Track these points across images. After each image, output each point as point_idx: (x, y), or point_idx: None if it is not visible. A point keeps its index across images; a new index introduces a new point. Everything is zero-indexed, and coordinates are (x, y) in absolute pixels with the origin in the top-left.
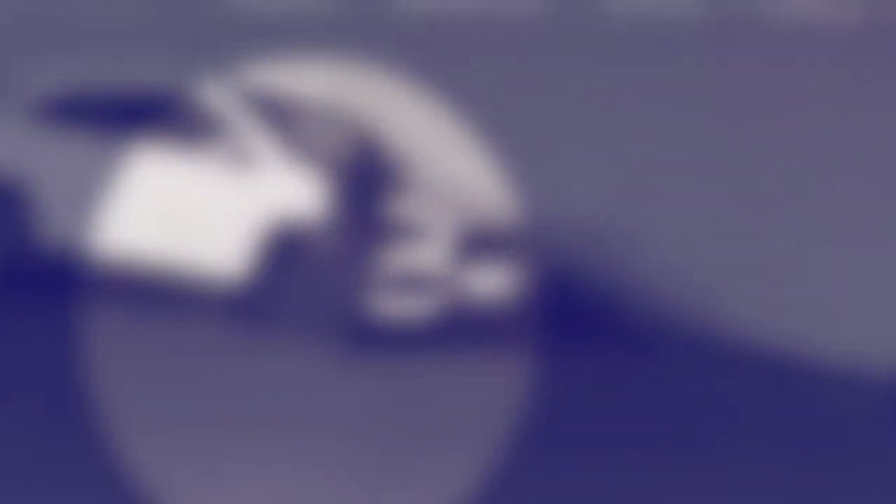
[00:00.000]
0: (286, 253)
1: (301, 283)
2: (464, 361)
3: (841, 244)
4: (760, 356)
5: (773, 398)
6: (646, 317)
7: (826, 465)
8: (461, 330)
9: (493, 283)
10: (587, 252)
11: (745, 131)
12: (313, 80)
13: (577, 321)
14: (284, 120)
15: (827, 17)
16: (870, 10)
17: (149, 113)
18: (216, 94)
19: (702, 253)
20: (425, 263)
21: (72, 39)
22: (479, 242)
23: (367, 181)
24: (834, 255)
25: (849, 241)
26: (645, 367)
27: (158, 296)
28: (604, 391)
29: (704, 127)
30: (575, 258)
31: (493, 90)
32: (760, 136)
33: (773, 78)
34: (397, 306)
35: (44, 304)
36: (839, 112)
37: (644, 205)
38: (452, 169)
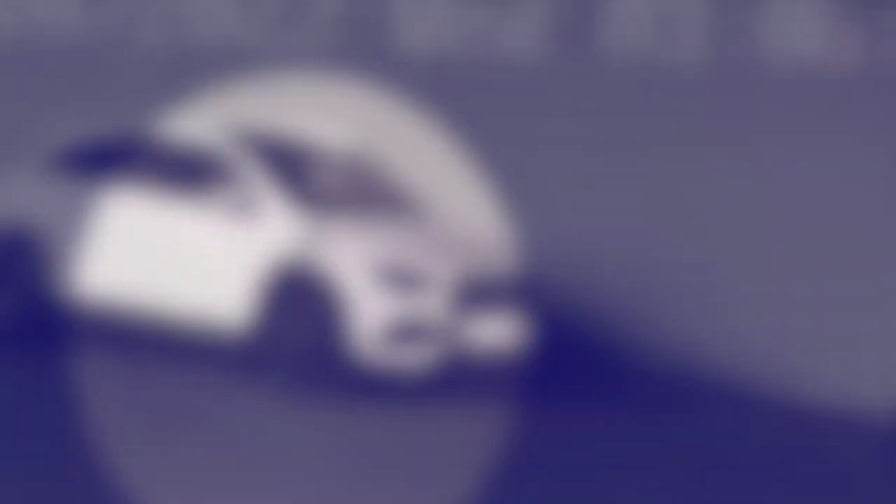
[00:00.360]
0: (287, 300)
1: (300, 330)
2: (462, 412)
3: (843, 283)
4: (766, 400)
5: (778, 442)
6: (647, 368)
7: None
8: (460, 381)
9: (493, 333)
10: (587, 301)
11: (744, 174)
12: (318, 122)
13: (577, 373)
14: (288, 163)
15: (827, 61)
16: (870, 53)
17: (154, 160)
18: (219, 138)
19: (704, 301)
20: (425, 313)
21: (82, 89)
22: (480, 292)
23: (370, 228)
24: (835, 293)
25: (851, 280)
26: (646, 417)
27: (164, 343)
28: (602, 444)
29: (703, 170)
30: (575, 308)
31: (491, 133)
32: (759, 178)
33: (773, 121)
34: (396, 355)
35: (52, 353)
36: (838, 155)
37: (644, 251)
38: (454, 216)
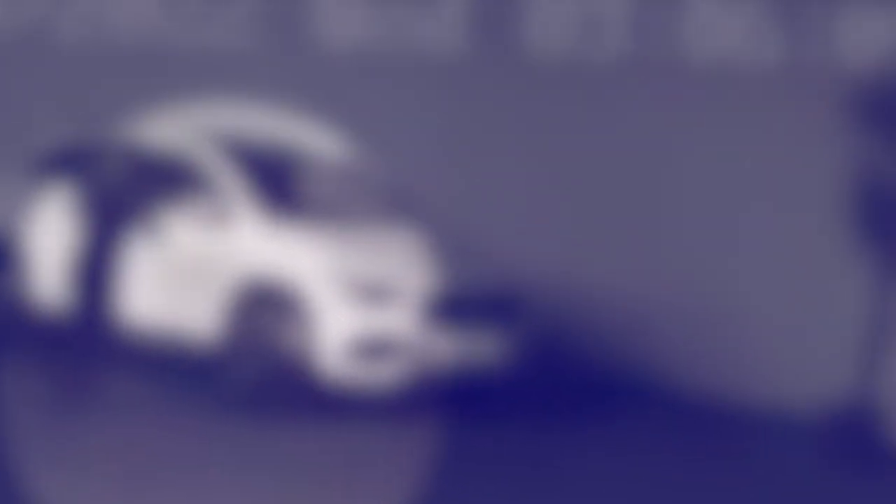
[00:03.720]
0: (253, 311)
1: (266, 342)
2: (431, 430)
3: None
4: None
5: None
6: (623, 383)
7: None
8: (431, 397)
9: (465, 349)
10: (564, 315)
11: (659, 171)
12: (297, 127)
13: (552, 389)
14: (263, 170)
15: (748, 57)
16: (791, 49)
17: (134, 168)
18: (193, 144)
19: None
20: (393, 327)
21: (71, 97)
22: (452, 306)
23: (340, 237)
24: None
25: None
26: (619, 434)
27: (142, 353)
28: (576, 461)
29: (619, 166)
30: (551, 322)
31: (406, 131)
32: (676, 175)
33: (694, 120)
34: (362, 370)
35: (35, 362)
36: (763, 154)
37: (576, 254)
38: (429, 227)
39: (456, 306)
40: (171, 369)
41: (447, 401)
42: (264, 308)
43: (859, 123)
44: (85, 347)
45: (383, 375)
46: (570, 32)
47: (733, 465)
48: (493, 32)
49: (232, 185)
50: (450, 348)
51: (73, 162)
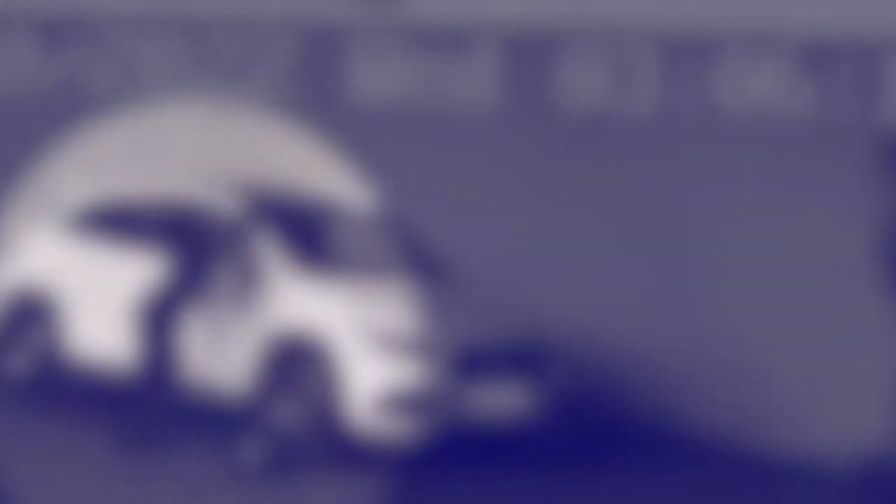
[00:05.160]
0: (282, 366)
1: (295, 397)
2: (461, 484)
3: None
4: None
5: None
6: (652, 435)
7: None
8: (458, 450)
9: (494, 403)
10: (594, 368)
11: (697, 220)
12: (327, 180)
13: (582, 443)
14: (294, 224)
15: (782, 110)
16: (821, 105)
17: (169, 225)
18: (225, 201)
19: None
20: (422, 381)
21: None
22: (478, 360)
23: (369, 291)
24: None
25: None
26: (650, 485)
27: (165, 406)
28: None
29: (658, 218)
30: (581, 375)
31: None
32: (713, 230)
33: (728, 171)
34: (391, 424)
35: (71, 415)
36: (795, 206)
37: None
38: (462, 280)
39: (483, 359)
40: (204, 422)
41: (474, 454)
42: (294, 362)
43: (893, 175)
44: (127, 400)
45: (411, 428)
46: (602, 86)
47: None
48: (525, 87)
49: (262, 239)
50: (476, 401)
51: (109, 218)
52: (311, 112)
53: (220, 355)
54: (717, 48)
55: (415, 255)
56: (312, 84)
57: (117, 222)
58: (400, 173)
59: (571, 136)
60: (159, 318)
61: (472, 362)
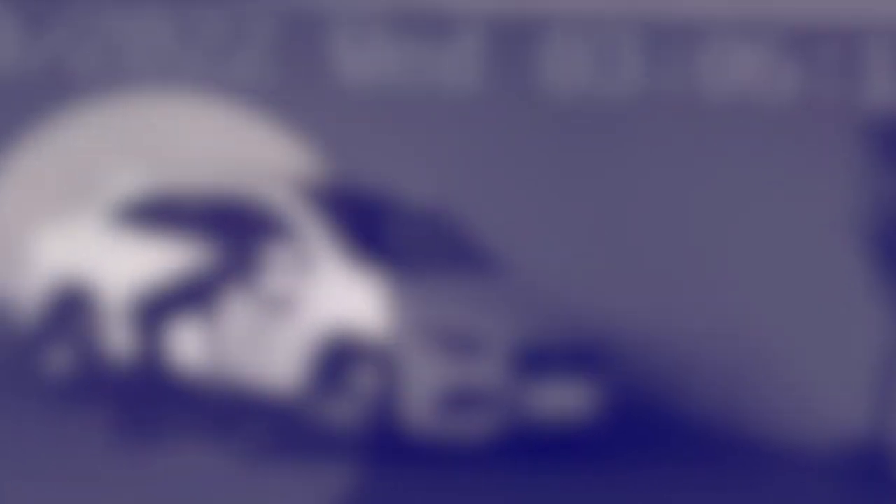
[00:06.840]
0: (338, 365)
1: (352, 396)
2: (522, 485)
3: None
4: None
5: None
6: (717, 434)
7: None
8: (517, 449)
9: (556, 401)
10: (653, 367)
11: (678, 205)
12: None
13: (644, 443)
14: (349, 219)
15: (764, 93)
16: (806, 85)
17: (217, 217)
18: (279, 193)
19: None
20: (482, 378)
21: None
22: (538, 357)
23: (428, 287)
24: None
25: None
26: (714, 486)
27: (216, 403)
28: None
29: (639, 200)
30: (642, 373)
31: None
32: (693, 209)
33: (709, 156)
34: (451, 423)
35: (114, 408)
36: (780, 189)
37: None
38: (520, 275)
39: (543, 357)
40: (253, 417)
41: (534, 452)
42: (350, 358)
43: (878, 159)
44: (168, 394)
45: (471, 427)
46: (586, 70)
47: None
48: (509, 71)
49: (316, 232)
50: (536, 399)
51: (153, 210)
52: (295, 96)
53: (269, 352)
54: (700, 32)
55: (471, 250)
56: (297, 68)
57: (161, 214)
58: (383, 157)
59: (556, 121)
60: (204, 312)
61: (530, 359)
